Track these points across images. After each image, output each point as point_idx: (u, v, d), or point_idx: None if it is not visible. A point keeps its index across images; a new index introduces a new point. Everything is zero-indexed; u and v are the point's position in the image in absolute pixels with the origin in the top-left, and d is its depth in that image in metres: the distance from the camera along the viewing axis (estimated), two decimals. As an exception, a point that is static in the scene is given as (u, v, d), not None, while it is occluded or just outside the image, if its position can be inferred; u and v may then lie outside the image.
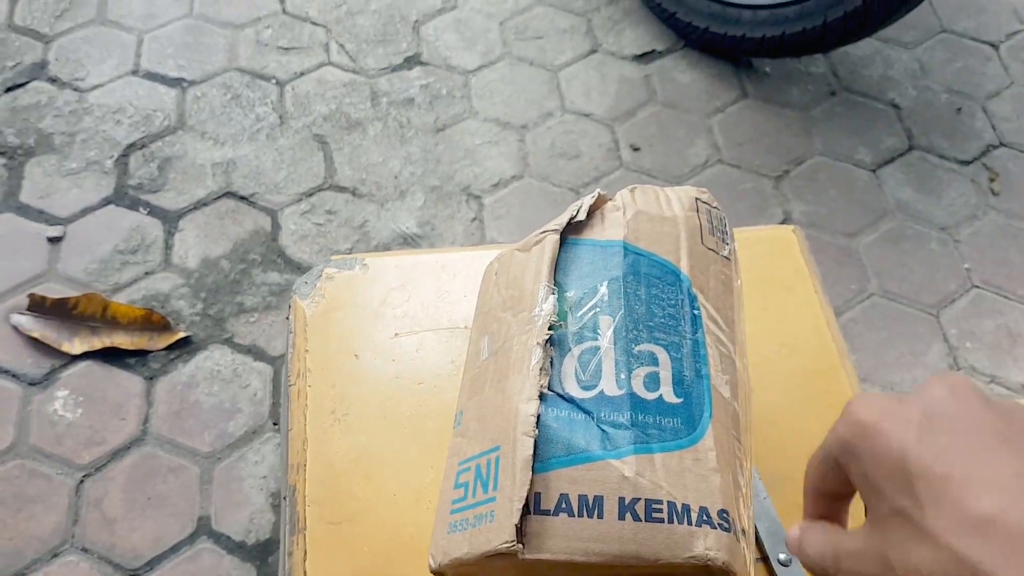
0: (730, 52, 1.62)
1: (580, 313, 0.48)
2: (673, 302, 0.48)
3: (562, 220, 0.52)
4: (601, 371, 0.45)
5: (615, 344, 0.46)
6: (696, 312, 0.48)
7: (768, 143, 1.55)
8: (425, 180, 1.46)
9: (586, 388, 0.45)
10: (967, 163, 1.56)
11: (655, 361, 0.46)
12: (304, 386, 0.62)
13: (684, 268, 0.50)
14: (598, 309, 0.48)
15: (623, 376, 0.45)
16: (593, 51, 1.65)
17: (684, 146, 1.53)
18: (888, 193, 1.51)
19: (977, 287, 1.41)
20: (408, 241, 1.39)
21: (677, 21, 1.62)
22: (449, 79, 1.59)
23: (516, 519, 0.41)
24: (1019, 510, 0.27)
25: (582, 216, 0.52)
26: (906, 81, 1.66)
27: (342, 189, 1.44)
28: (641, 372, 0.45)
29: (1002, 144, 1.58)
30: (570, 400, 0.45)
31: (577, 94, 1.59)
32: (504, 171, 1.48)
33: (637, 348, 0.46)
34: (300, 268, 1.34)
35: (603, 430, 0.43)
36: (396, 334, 0.65)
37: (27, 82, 1.51)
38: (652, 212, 0.52)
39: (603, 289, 0.48)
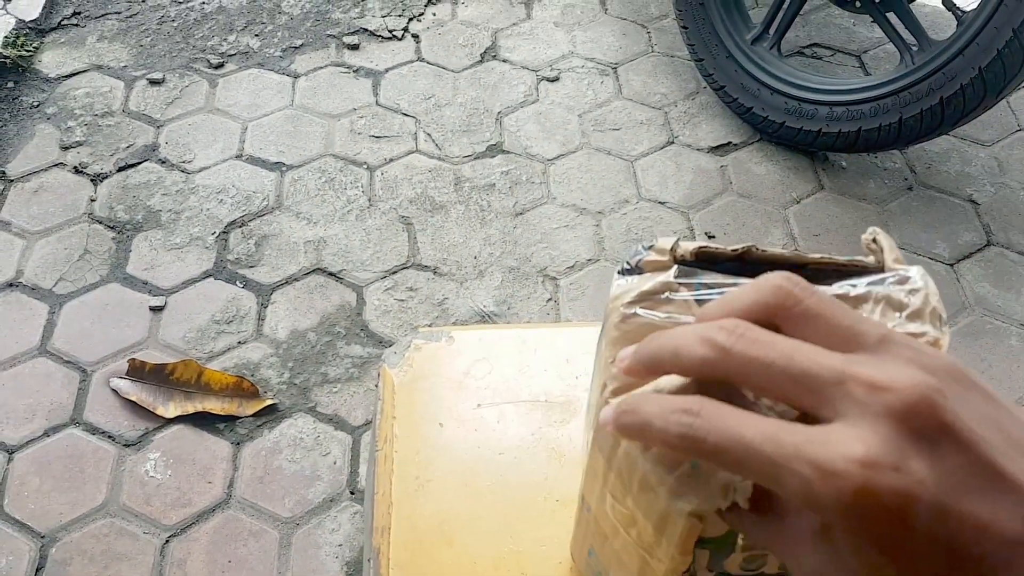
0: (806, 146, 1.65)
1: None
2: None
3: None
4: None
5: None
6: None
7: (845, 235, 1.56)
8: (503, 261, 1.51)
9: None
10: (1049, 259, 1.54)
11: None
12: (391, 451, 0.65)
13: None
14: None
15: None
16: (669, 142, 1.70)
17: (760, 235, 1.56)
18: (966, 288, 1.50)
19: (1061, 385, 1.38)
20: (486, 319, 1.43)
21: (753, 115, 1.66)
22: (529, 167, 1.65)
23: None
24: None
25: None
26: (984, 178, 1.66)
27: (424, 268, 1.50)
28: None
29: (1086, 241, 1.56)
30: None
31: (653, 183, 1.63)
32: (580, 254, 1.52)
33: None
34: (382, 342, 1.39)
35: None
36: (478, 405, 0.68)
37: (139, 163, 1.63)
38: None
39: None
